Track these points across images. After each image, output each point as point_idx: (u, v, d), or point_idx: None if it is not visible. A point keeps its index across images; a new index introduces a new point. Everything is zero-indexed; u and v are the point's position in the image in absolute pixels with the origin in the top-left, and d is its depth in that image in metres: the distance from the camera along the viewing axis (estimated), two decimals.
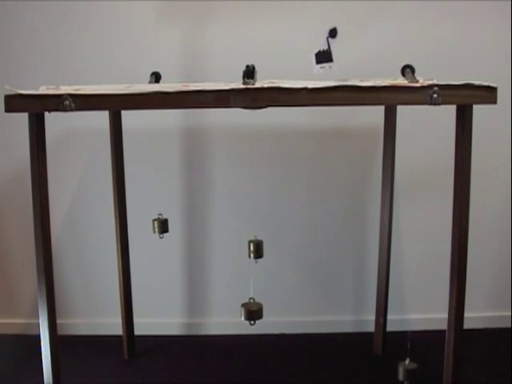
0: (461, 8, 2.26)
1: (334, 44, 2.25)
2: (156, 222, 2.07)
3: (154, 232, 2.07)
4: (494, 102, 1.51)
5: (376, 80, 1.59)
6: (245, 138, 2.34)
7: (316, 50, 1.47)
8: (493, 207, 2.38)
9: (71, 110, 1.48)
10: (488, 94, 1.50)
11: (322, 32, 2.24)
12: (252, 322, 1.68)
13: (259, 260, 2.38)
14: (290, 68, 2.18)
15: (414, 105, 1.52)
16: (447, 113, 1.60)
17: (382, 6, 2.25)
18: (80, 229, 2.40)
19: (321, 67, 1.42)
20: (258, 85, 1.52)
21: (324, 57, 1.43)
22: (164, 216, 2.08)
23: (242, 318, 1.69)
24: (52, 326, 1.63)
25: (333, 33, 1.42)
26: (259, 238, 1.80)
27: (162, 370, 2.15)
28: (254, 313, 1.69)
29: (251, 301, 1.71)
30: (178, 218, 2.39)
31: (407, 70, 1.76)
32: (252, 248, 1.79)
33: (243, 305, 1.70)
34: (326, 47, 1.43)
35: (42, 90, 1.59)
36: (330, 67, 1.51)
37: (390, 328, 2.26)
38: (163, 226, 2.07)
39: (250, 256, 1.80)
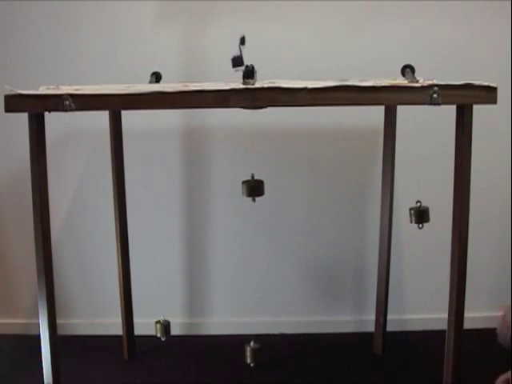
0: (461, 8, 2.25)
1: (335, 44, 2.27)
2: (158, 325, 1.99)
3: (157, 334, 2.00)
4: (494, 102, 1.52)
5: (376, 80, 1.59)
6: (245, 138, 2.34)
7: (231, 56, 1.60)
8: (493, 207, 2.38)
9: (71, 110, 1.49)
10: (488, 94, 1.51)
11: (321, 32, 2.26)
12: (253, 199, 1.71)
13: (259, 259, 2.40)
14: (289, 68, 2.18)
15: (413, 105, 1.53)
16: (447, 113, 1.61)
17: (382, 6, 2.25)
18: (80, 229, 2.40)
19: (235, 70, 1.59)
20: (257, 85, 1.52)
21: (238, 61, 1.56)
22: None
23: (244, 194, 1.71)
24: (52, 326, 1.63)
25: (242, 40, 1.61)
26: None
27: (162, 370, 2.15)
28: (254, 189, 1.72)
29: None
30: (178, 217, 2.39)
31: (407, 70, 1.76)
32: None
33: (244, 182, 1.71)
34: (238, 53, 1.56)
35: (42, 90, 1.60)
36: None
37: (389, 328, 2.26)
38: (166, 330, 2.00)
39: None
